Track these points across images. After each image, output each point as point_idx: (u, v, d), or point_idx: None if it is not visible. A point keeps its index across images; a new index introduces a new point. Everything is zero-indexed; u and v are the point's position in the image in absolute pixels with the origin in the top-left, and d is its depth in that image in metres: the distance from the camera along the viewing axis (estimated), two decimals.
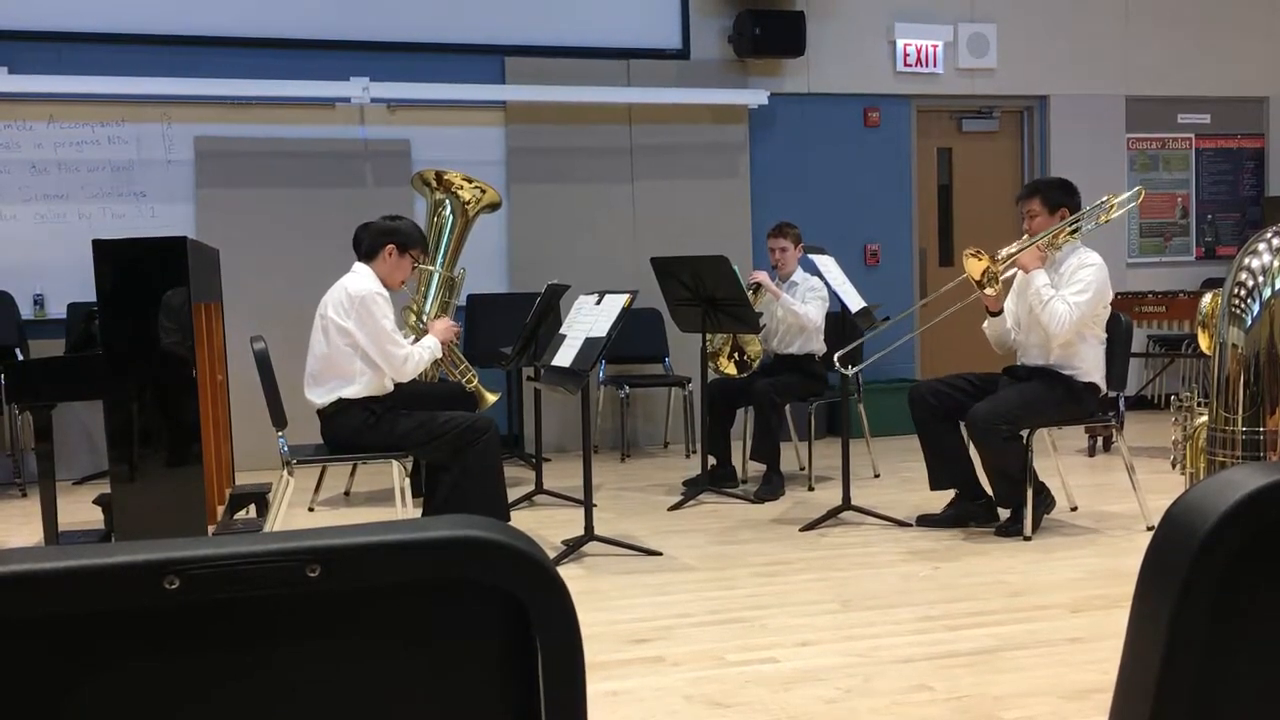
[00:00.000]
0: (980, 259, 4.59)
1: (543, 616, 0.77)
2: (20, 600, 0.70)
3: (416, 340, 4.89)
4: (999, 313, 4.89)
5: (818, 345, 6.02)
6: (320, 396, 4.57)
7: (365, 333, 4.52)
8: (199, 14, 6.89)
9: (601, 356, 4.50)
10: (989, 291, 4.62)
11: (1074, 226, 4.78)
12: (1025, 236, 4.81)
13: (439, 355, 4.89)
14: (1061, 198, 4.83)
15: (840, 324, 5.59)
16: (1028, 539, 4.69)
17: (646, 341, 7.44)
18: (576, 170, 7.54)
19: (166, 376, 4.27)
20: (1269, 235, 2.41)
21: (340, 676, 0.77)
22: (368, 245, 4.75)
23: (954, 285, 4.87)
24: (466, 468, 4.51)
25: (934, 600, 3.91)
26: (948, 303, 5.03)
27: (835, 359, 4.89)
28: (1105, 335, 4.83)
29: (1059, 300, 4.62)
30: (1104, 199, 4.85)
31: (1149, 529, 4.72)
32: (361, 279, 4.64)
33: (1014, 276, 4.86)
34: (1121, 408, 4.99)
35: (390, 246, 4.69)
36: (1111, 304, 4.85)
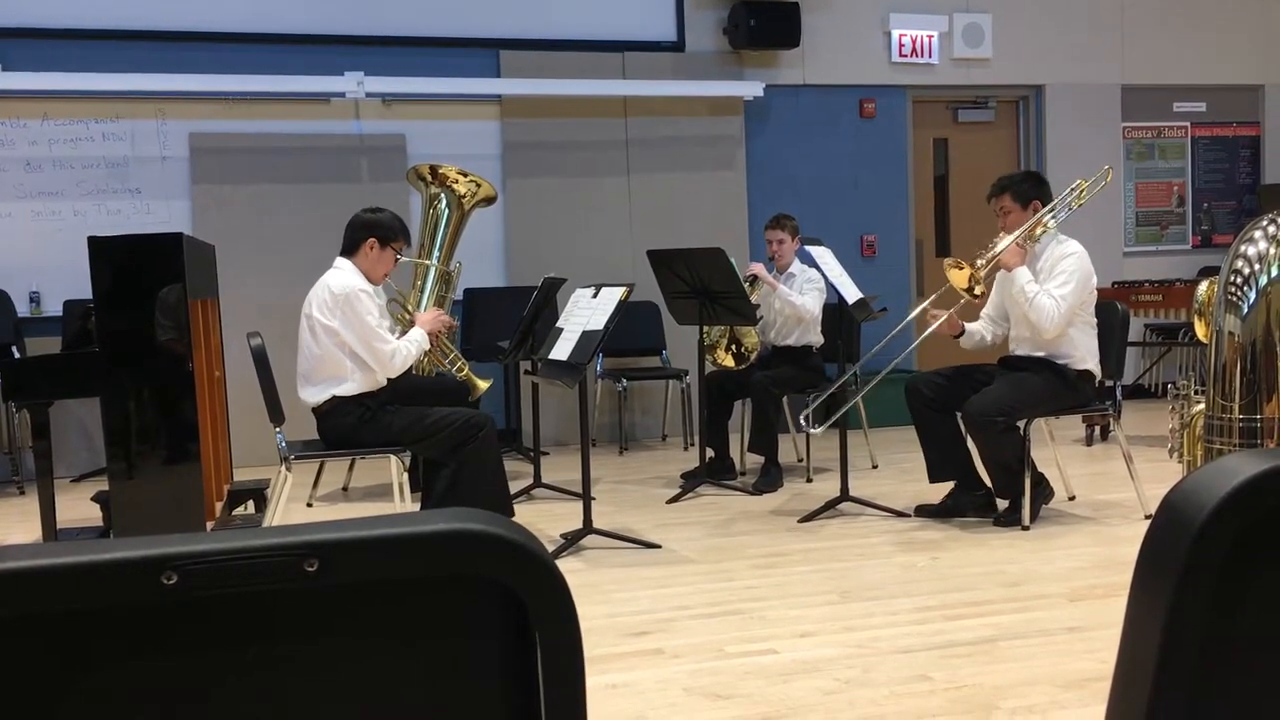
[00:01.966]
0: (962, 268, 4.60)
1: (541, 610, 0.77)
2: (19, 597, 0.70)
3: (404, 333, 4.85)
4: (960, 335, 4.91)
5: (815, 337, 6.03)
6: (313, 395, 4.55)
7: (351, 331, 4.46)
8: (193, 9, 6.88)
9: (599, 349, 4.50)
10: (978, 292, 4.63)
11: (1049, 216, 4.79)
12: (1001, 234, 4.82)
13: (426, 347, 4.80)
14: (1032, 190, 4.83)
15: (837, 316, 5.59)
16: (1026, 529, 4.69)
17: (644, 334, 7.44)
18: (572, 163, 7.53)
19: (163, 373, 4.27)
20: (1265, 223, 2.42)
21: (339, 671, 0.77)
22: (348, 239, 4.65)
23: (940, 294, 4.89)
24: (464, 463, 4.50)
25: (932, 590, 3.91)
26: (944, 306, 5.02)
27: (801, 419, 4.91)
28: (1095, 320, 4.83)
29: (1044, 295, 4.63)
30: (1075, 184, 4.86)
31: (1147, 518, 4.73)
32: (344, 275, 4.55)
33: (995, 275, 4.88)
34: (1118, 397, 4.99)
35: (371, 240, 4.60)
36: (1108, 293, 4.86)
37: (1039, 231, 4.77)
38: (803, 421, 4.90)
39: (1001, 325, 4.99)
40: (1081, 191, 4.85)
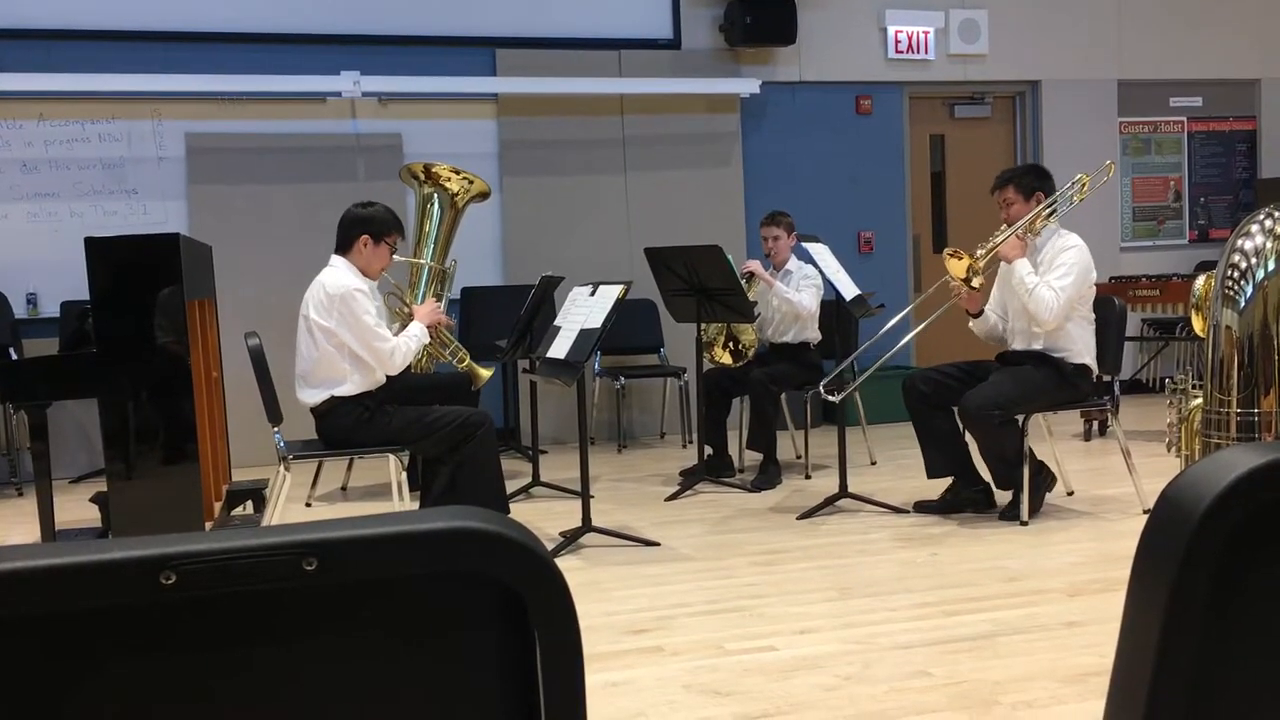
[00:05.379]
0: (960, 258, 4.60)
1: (541, 608, 0.77)
2: (17, 597, 0.70)
3: (402, 328, 4.84)
4: (979, 314, 4.90)
5: (812, 334, 6.03)
6: (312, 396, 4.53)
7: (349, 330, 4.44)
8: (189, 9, 6.87)
9: (596, 348, 4.49)
10: (975, 284, 4.63)
11: (1050, 209, 4.80)
12: (1004, 227, 4.82)
13: (426, 341, 4.80)
14: (1035, 182, 4.84)
15: (835, 312, 5.59)
16: (1025, 524, 4.70)
17: (641, 332, 7.44)
18: (569, 162, 7.53)
19: (161, 374, 4.26)
20: (1261, 217, 2.42)
21: (338, 669, 0.77)
22: (341, 237, 4.62)
23: (935, 290, 4.87)
24: (462, 461, 4.49)
25: (932, 586, 3.92)
26: (941, 300, 5.02)
27: (821, 388, 4.95)
28: (1094, 315, 4.84)
29: (1043, 287, 4.63)
30: (1077, 178, 4.87)
31: (1145, 512, 4.73)
32: (339, 274, 4.52)
33: (997, 268, 4.88)
34: (1116, 392, 4.99)
35: (364, 237, 4.56)
36: (1106, 288, 4.87)
37: (1039, 224, 4.78)
38: (822, 391, 4.93)
39: (1006, 321, 5.00)
40: (1084, 185, 4.85)
